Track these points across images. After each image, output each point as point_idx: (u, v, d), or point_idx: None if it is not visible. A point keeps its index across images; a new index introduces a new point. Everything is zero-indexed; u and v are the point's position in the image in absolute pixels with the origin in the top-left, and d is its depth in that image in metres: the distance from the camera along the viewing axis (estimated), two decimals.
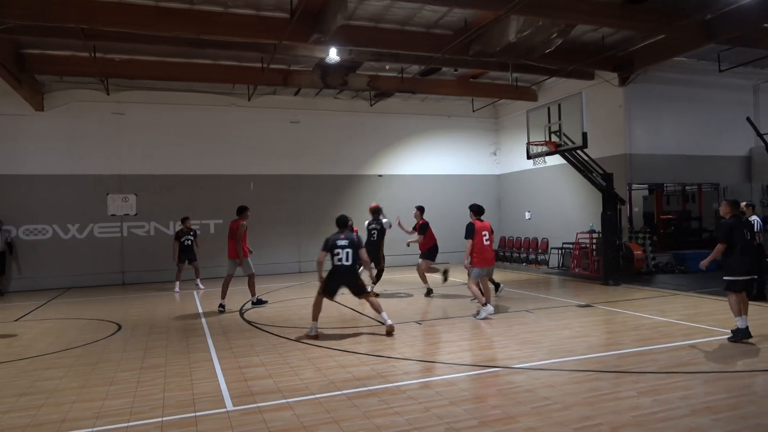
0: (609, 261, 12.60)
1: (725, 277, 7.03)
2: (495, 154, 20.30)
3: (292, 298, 11.76)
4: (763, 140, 13.45)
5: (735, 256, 6.91)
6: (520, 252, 18.58)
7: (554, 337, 7.44)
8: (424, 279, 11.61)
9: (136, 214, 15.88)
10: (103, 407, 5.05)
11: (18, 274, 14.55)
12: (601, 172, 12.57)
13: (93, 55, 12.54)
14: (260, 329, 8.51)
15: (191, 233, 13.74)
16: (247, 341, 7.67)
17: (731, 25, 11.31)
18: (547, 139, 12.53)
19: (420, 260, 11.58)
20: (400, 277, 14.85)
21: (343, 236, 7.75)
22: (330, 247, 7.68)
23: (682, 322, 8.14)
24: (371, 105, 18.17)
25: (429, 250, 11.57)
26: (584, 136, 11.53)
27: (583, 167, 12.55)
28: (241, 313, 10.05)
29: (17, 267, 14.56)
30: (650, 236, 14.69)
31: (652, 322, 8.24)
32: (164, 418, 4.71)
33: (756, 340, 6.83)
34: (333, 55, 12.43)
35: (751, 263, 7.06)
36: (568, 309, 9.56)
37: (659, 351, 6.50)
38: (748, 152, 16.32)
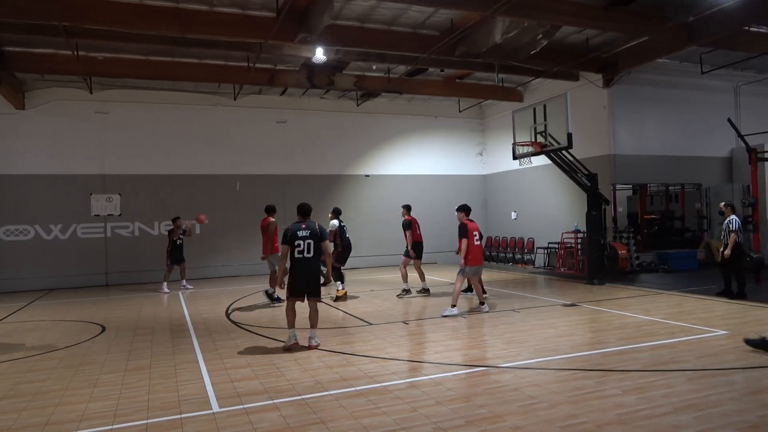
0: (594, 260, 12.73)
1: None
2: (481, 155, 20.39)
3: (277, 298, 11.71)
4: (744, 141, 13.69)
5: None
6: (507, 252, 18.69)
7: (540, 336, 7.50)
8: (404, 278, 11.54)
9: (120, 215, 15.71)
10: (87, 410, 4.99)
11: None
12: (585, 172, 12.70)
13: (76, 53, 12.36)
14: (246, 330, 8.46)
15: (183, 232, 13.66)
16: (233, 342, 7.62)
17: (713, 27, 11.49)
18: (533, 139, 12.63)
19: (403, 257, 11.59)
20: (388, 277, 14.84)
21: (304, 226, 6.97)
22: (290, 238, 6.85)
23: (666, 320, 8.24)
24: (358, 105, 18.16)
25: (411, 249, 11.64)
26: (569, 136, 11.65)
27: (569, 168, 12.67)
28: (227, 313, 9.99)
29: None
30: (634, 236, 14.87)
31: (636, 320, 8.33)
32: (149, 420, 4.67)
33: (731, 337, 6.95)
34: (319, 54, 12.40)
35: None
36: (554, 308, 9.63)
37: (643, 349, 6.58)
38: (730, 153, 16.59)
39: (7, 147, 14.67)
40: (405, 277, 11.52)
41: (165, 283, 13.43)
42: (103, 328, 8.87)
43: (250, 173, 17.02)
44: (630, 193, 16.53)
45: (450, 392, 5.20)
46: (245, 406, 4.95)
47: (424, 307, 10.24)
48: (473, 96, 17.57)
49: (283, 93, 17.19)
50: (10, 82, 13.69)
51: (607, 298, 10.53)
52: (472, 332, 7.93)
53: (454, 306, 9.16)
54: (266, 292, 10.85)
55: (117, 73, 13.81)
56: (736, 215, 10.02)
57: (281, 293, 9.65)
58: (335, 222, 11.59)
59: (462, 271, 9.33)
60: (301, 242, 6.83)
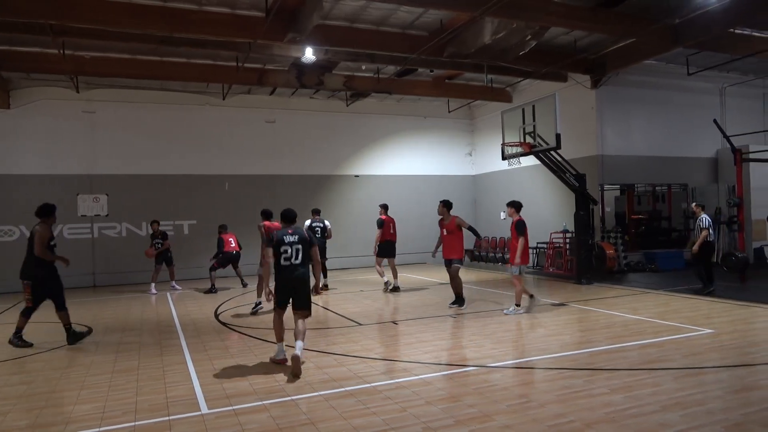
0: (582, 260, 12.82)
1: None
2: (470, 155, 20.46)
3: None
4: (729, 142, 13.85)
5: None
6: (496, 252, 18.76)
7: (529, 335, 7.55)
8: (381, 275, 12.21)
9: (107, 215, 15.57)
10: (74, 412, 4.94)
11: None
12: (574, 172, 12.78)
13: (62, 52, 12.24)
14: (235, 330, 8.43)
15: (160, 236, 13.48)
16: (221, 343, 7.59)
17: (698, 29, 11.63)
18: (522, 140, 12.68)
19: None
20: (378, 278, 14.83)
21: (290, 231, 6.35)
22: (276, 243, 6.26)
23: (653, 319, 8.33)
24: (347, 105, 18.14)
25: (379, 247, 12.11)
26: (558, 137, 11.71)
27: (557, 168, 12.74)
28: (216, 314, 9.94)
29: None
30: (622, 236, 14.99)
31: (623, 320, 8.41)
32: (137, 423, 4.64)
33: (716, 335, 7.04)
34: (309, 54, 12.38)
35: None
36: (543, 308, 9.69)
37: (630, 348, 6.64)
38: (715, 154, 16.79)
39: None
40: (382, 274, 12.19)
41: (153, 284, 13.33)
42: (90, 330, 8.79)
43: (239, 173, 16.95)
44: (618, 193, 16.67)
45: (439, 392, 5.21)
46: (234, 407, 4.93)
47: (414, 307, 10.26)
48: (462, 96, 17.63)
49: (272, 93, 17.14)
50: None
51: (595, 298, 10.62)
52: (462, 332, 7.96)
53: (518, 305, 9.18)
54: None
55: (104, 73, 13.69)
56: (707, 215, 10.61)
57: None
58: (307, 222, 12.08)
59: (519, 270, 9.23)
60: (289, 248, 6.24)
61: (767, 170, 15.71)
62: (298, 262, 6.27)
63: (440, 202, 10.11)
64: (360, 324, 8.66)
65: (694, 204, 11.09)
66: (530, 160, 14.17)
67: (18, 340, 7.65)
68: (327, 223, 12.49)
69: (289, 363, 6.04)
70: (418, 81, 16.40)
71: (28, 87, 14.78)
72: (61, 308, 7.70)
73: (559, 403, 4.79)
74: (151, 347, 7.47)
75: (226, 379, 5.79)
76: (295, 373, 5.82)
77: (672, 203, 16.86)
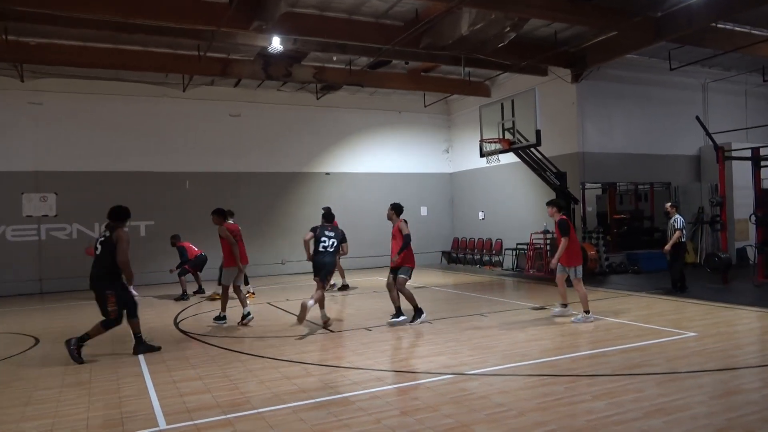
0: None
1: None
2: (447, 152, 20.60)
3: (230, 306, 11.52)
4: (712, 139, 14.21)
5: None
6: (474, 253, 18.92)
7: (508, 341, 7.62)
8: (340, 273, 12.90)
9: (56, 215, 15.18)
10: (18, 430, 4.80)
11: None
12: (554, 170, 12.98)
13: (5, 37, 11.88)
14: (196, 340, 8.31)
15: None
16: (182, 353, 7.47)
17: (680, 23, 11.92)
18: (501, 136, 12.83)
19: None
20: (349, 281, 14.79)
21: (330, 228, 8.96)
22: (319, 234, 8.77)
23: (635, 323, 8.50)
24: (317, 98, 18.07)
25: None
26: (537, 133, 11.89)
27: (537, 166, 12.92)
28: (176, 322, 9.78)
29: None
30: (604, 236, 15.25)
31: (605, 323, 8.56)
32: None
33: (700, 338, 7.22)
34: (276, 44, 12.29)
35: None
36: (522, 312, 9.81)
37: (612, 353, 6.77)
38: (698, 151, 17.22)
39: None
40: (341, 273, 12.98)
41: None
42: (37, 341, 8.56)
43: (201, 171, 16.73)
44: (599, 192, 16.97)
45: (415, 402, 5.22)
46: (196, 422, 4.85)
47: (387, 312, 10.25)
48: (439, 90, 17.73)
49: (236, 85, 16.96)
50: None
51: (576, 301, 10.75)
52: (438, 338, 7.99)
53: (587, 312, 8.71)
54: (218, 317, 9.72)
55: (52, 61, 13.34)
56: (680, 215, 11.24)
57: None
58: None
59: (575, 272, 8.83)
60: (327, 240, 8.74)
61: (750, 168, 16.17)
62: (332, 251, 8.81)
63: (390, 205, 9.18)
64: (331, 331, 8.63)
65: (668, 204, 11.54)
66: (509, 158, 14.33)
67: (76, 349, 7.11)
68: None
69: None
70: (393, 74, 16.43)
71: None
72: (133, 316, 7.44)
73: (540, 410, 4.85)
74: (105, 359, 7.31)
75: (186, 392, 5.70)
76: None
77: (655, 202, 17.21)
